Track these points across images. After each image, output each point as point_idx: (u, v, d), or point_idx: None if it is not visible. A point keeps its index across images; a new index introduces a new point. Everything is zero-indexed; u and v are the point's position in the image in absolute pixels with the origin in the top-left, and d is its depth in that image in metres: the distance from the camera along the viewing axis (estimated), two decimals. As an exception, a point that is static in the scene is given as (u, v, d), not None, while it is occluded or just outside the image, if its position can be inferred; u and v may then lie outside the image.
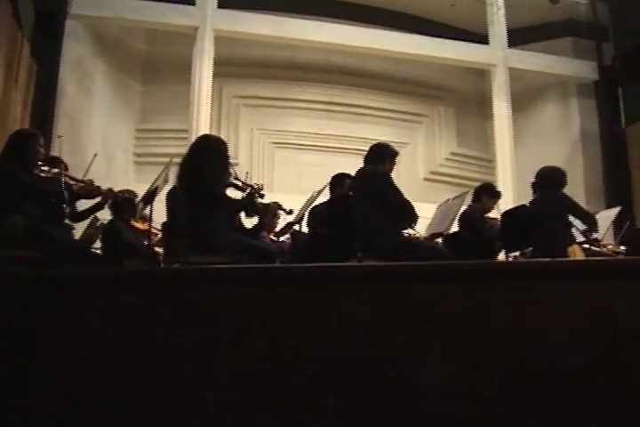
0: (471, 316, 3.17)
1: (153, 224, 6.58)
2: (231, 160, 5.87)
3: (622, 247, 8.75)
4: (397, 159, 6.35)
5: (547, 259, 5.77)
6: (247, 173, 6.36)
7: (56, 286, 3.22)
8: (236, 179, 5.76)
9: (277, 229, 8.40)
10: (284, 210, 7.03)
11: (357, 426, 3.05)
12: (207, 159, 5.43)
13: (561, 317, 3.12)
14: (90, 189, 5.73)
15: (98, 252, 7.51)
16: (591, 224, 6.79)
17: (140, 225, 7.78)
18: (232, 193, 5.78)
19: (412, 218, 6.00)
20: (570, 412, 3.03)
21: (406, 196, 6.07)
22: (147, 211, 6.30)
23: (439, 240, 6.92)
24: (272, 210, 6.74)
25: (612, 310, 3.13)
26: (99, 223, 7.82)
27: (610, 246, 8.89)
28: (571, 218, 6.84)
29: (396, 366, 3.11)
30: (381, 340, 3.14)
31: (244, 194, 5.69)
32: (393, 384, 3.08)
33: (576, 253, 6.53)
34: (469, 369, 3.09)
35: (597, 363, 3.08)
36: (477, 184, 8.52)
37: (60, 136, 8.23)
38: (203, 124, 12.36)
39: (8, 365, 3.04)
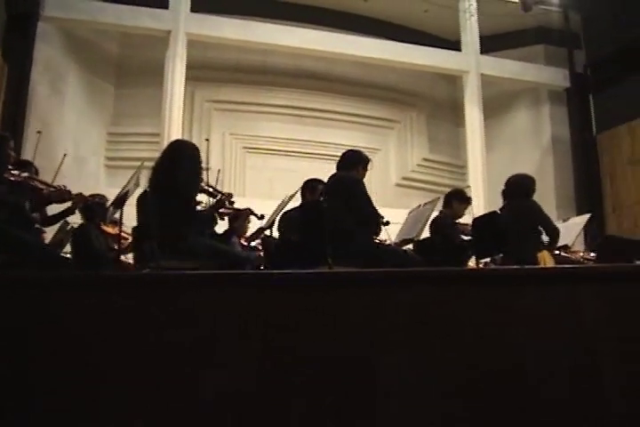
0: (443, 320, 3.21)
1: (124, 228, 6.57)
2: (203, 165, 5.88)
3: (592, 254, 8.82)
4: (371, 167, 6.38)
5: (516, 265, 5.87)
6: (219, 170, 6.36)
7: (45, 288, 3.22)
8: (208, 185, 5.78)
9: (248, 233, 8.40)
10: (256, 215, 7.04)
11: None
12: (180, 164, 5.42)
13: (529, 322, 3.16)
14: (60, 194, 5.70)
15: (68, 256, 7.49)
16: (553, 237, 6.84)
17: (110, 229, 7.74)
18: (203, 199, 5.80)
19: (375, 229, 6.02)
20: (537, 414, 3.07)
21: (378, 201, 6.10)
22: (117, 215, 6.29)
23: (410, 246, 6.96)
24: (244, 215, 6.75)
25: (581, 316, 3.17)
26: (69, 227, 7.78)
27: (580, 253, 8.97)
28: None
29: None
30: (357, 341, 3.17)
31: (214, 200, 5.71)
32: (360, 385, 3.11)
33: (545, 260, 6.59)
34: (437, 369, 3.13)
35: (565, 366, 3.13)
36: (449, 190, 8.56)
37: (38, 131, 8.21)
38: (175, 128, 12.35)
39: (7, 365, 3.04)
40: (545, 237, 6.97)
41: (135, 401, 3.06)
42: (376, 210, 5.91)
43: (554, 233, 6.84)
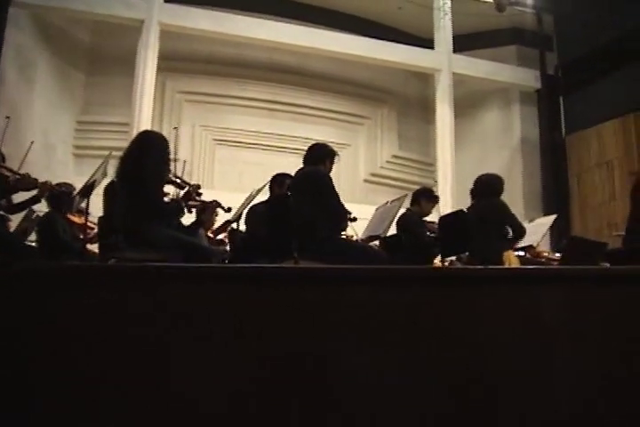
0: (403, 320, 3.22)
1: (90, 218, 6.54)
2: (171, 156, 5.86)
3: (557, 254, 8.90)
4: (338, 160, 6.37)
5: (481, 264, 5.91)
6: (185, 161, 6.33)
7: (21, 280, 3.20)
8: (176, 176, 5.76)
9: (216, 226, 8.38)
10: (223, 208, 7.02)
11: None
12: (147, 155, 5.38)
13: (488, 323, 3.18)
14: (27, 182, 5.67)
15: (33, 244, 7.45)
16: (518, 237, 6.89)
17: (76, 219, 7.70)
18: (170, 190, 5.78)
19: (342, 224, 6.02)
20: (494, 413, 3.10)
21: (346, 197, 6.11)
22: (84, 204, 6.26)
23: (376, 242, 6.98)
24: (211, 208, 6.74)
25: (540, 318, 3.20)
26: (34, 216, 7.73)
27: (545, 254, 9.05)
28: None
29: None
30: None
31: (182, 191, 5.69)
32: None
33: (510, 260, 6.65)
34: (397, 367, 3.14)
35: (524, 368, 3.15)
36: (417, 187, 8.59)
37: (7, 117, 8.13)
38: (145, 119, 12.29)
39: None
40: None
41: (133, 401, 3.04)
42: (343, 205, 5.91)
43: (520, 231, 6.88)
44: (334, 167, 6.27)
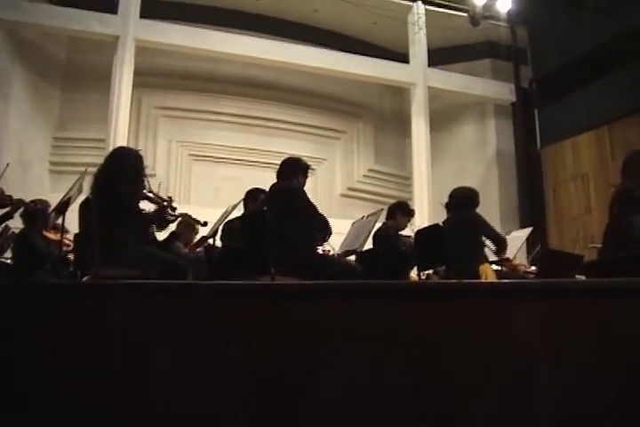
0: (380, 334, 3.23)
1: (66, 235, 6.51)
2: (148, 171, 5.85)
3: (533, 267, 8.92)
4: (312, 174, 6.38)
5: (458, 277, 5.93)
6: (160, 183, 6.32)
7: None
8: (150, 191, 5.74)
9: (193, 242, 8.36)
10: (197, 221, 7.01)
11: None
12: (122, 171, 5.38)
13: (463, 336, 3.19)
14: (0, 198, 5.64)
15: (8, 262, 7.41)
16: (501, 246, 6.89)
17: (52, 235, 7.66)
18: (145, 205, 5.76)
19: (325, 231, 6.02)
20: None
21: (323, 211, 6.10)
22: (59, 221, 6.23)
23: (353, 257, 6.99)
24: (184, 221, 6.72)
25: (516, 332, 3.21)
26: (10, 233, 7.69)
27: (521, 266, 9.06)
28: (483, 238, 6.95)
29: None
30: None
31: (156, 207, 5.68)
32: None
33: (487, 273, 6.63)
34: (376, 379, 3.15)
35: (495, 379, 3.17)
36: (394, 201, 8.60)
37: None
38: (121, 134, 12.26)
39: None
40: (488, 251, 7.03)
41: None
42: (324, 217, 5.92)
43: (501, 242, 6.89)
44: (310, 181, 6.29)
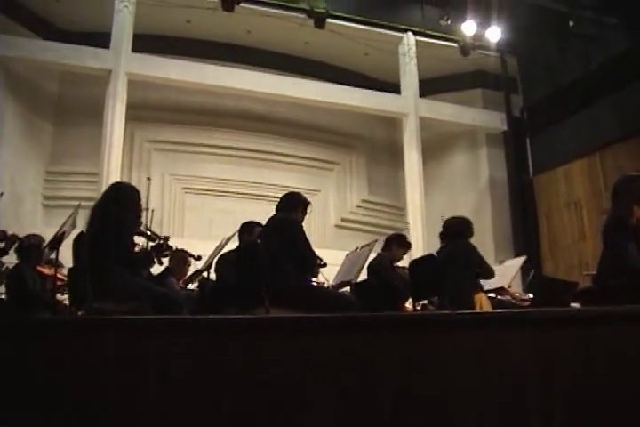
0: (376, 365, 3.23)
1: (60, 270, 6.50)
2: (142, 207, 5.86)
3: (529, 295, 8.90)
4: (310, 210, 6.39)
5: (452, 307, 5.93)
6: (152, 210, 6.32)
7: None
8: (147, 229, 5.75)
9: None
10: (192, 256, 7.00)
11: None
12: (119, 207, 5.38)
13: (456, 365, 3.18)
14: (-7, 234, 5.64)
15: (2, 297, 7.39)
16: (486, 275, 6.90)
17: (46, 270, 7.64)
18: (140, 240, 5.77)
19: (312, 271, 6.03)
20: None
21: (317, 242, 6.14)
22: (53, 256, 6.22)
23: (347, 288, 6.97)
24: (178, 257, 6.72)
25: (510, 362, 3.21)
26: (4, 268, 7.68)
27: (516, 295, 9.05)
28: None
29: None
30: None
31: (152, 244, 5.69)
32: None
33: (482, 302, 6.63)
34: (365, 410, 3.14)
35: (492, 408, 3.16)
36: (388, 232, 8.65)
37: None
38: (114, 168, 12.23)
39: None
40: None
41: None
42: (313, 252, 5.91)
43: (488, 273, 6.90)
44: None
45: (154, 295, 5.10)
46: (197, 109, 14.54)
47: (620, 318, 3.39)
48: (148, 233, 5.76)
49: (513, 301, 8.23)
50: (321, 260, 6.11)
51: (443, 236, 7.21)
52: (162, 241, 5.70)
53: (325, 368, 3.21)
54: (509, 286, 8.68)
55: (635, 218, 5.53)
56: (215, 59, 14.20)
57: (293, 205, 6.18)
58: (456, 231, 7.07)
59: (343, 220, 15.49)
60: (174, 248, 6.11)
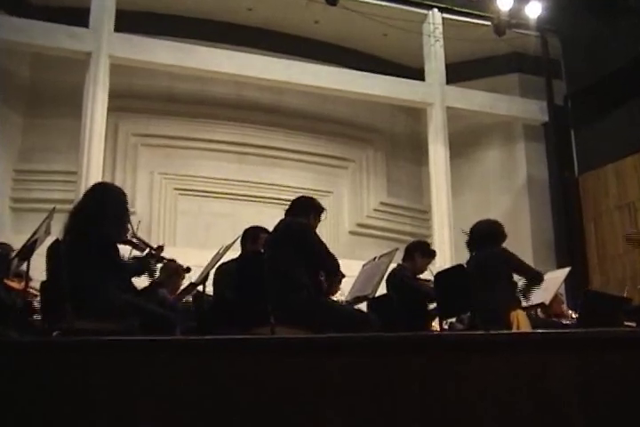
0: (397, 391, 3.23)
1: (31, 283, 6.50)
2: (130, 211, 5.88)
3: (573, 314, 8.90)
4: (325, 217, 6.40)
5: (485, 325, 5.92)
6: (139, 222, 6.32)
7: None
8: (134, 236, 5.75)
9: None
10: (181, 267, 6.99)
11: None
12: (104, 211, 5.40)
13: (492, 396, 3.18)
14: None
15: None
16: (535, 282, 6.86)
17: (15, 284, 7.64)
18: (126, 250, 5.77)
19: (337, 275, 6.07)
20: None
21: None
22: (23, 267, 6.24)
23: (364, 304, 6.98)
24: (169, 268, 6.72)
25: (551, 391, 3.20)
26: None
27: (561, 312, 9.05)
28: (516, 277, 6.93)
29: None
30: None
31: (141, 254, 5.68)
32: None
33: (519, 320, 6.62)
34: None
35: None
36: (410, 239, 8.65)
37: None
38: (95, 166, 12.20)
39: None
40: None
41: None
42: (336, 259, 5.94)
43: (536, 276, 6.86)
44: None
45: (142, 312, 5.12)
46: (192, 99, 14.53)
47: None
48: (136, 242, 5.75)
49: (556, 319, 8.24)
50: (341, 273, 6.15)
51: (470, 243, 7.19)
52: (154, 251, 5.69)
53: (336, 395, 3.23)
54: (558, 301, 8.72)
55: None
56: (212, 40, 14.19)
57: (305, 210, 6.19)
58: (485, 237, 7.04)
59: (359, 225, 15.49)
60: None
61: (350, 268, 7.21)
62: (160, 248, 5.78)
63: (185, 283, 8.12)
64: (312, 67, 14.49)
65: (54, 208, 6.09)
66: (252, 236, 7.05)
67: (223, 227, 12.55)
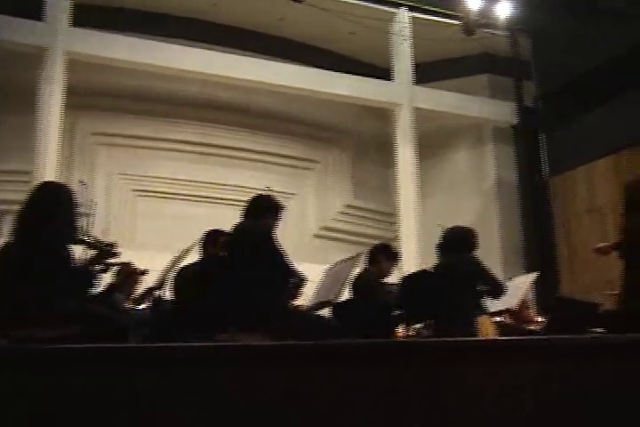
0: (359, 401, 3.22)
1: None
2: (84, 211, 5.81)
3: (542, 319, 8.93)
4: (283, 214, 6.38)
5: (451, 332, 5.93)
6: (91, 220, 6.24)
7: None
8: (86, 235, 5.68)
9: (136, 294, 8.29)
10: (137, 270, 6.95)
11: None
12: (51, 212, 5.33)
13: (458, 402, 3.18)
14: None
15: None
16: (496, 292, 6.89)
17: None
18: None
19: (292, 291, 6.05)
20: None
21: (293, 255, 6.09)
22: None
23: (327, 309, 6.97)
24: (125, 271, 6.67)
25: (519, 397, 3.20)
26: None
27: (529, 317, 9.08)
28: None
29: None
30: None
31: (94, 254, 5.61)
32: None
33: (486, 327, 6.64)
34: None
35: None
36: (376, 242, 8.60)
37: None
38: (50, 166, 12.05)
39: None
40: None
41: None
42: (293, 268, 5.91)
43: (498, 290, 6.89)
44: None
45: (94, 318, 5.06)
46: (154, 97, 14.41)
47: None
48: (88, 240, 5.67)
49: (523, 325, 8.27)
50: (301, 278, 6.12)
51: (441, 248, 7.20)
52: (106, 248, 5.62)
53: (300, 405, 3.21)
54: (526, 307, 8.76)
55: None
56: (174, 37, 14.06)
57: (263, 210, 6.18)
58: (457, 242, 7.07)
59: (324, 228, 15.49)
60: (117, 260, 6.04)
61: (314, 272, 7.17)
62: (112, 245, 5.71)
63: (141, 288, 8.09)
64: (277, 65, 14.42)
65: (5, 210, 6.03)
66: (211, 239, 7.02)
67: (184, 229, 12.44)
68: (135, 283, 7.95)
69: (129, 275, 7.43)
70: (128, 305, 7.78)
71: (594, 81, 13.95)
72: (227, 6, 14.44)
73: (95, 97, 13.96)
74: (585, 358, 3.30)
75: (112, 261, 5.81)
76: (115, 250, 5.70)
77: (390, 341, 5.48)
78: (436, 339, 6.11)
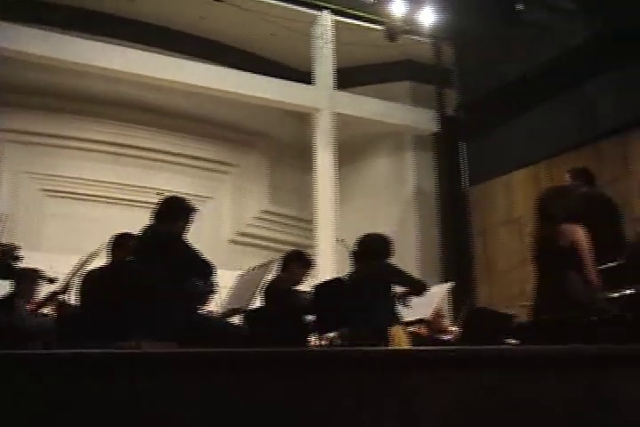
0: (267, 410, 3.22)
1: None
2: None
3: (456, 329, 9.01)
4: (195, 217, 6.36)
5: (363, 341, 5.96)
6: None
7: None
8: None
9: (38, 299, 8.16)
10: (45, 278, 6.85)
11: None
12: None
13: (363, 412, 3.19)
14: None
15: None
16: (417, 288, 6.91)
17: None
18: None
19: (212, 277, 6.04)
20: None
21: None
22: None
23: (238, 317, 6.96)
24: (30, 277, 6.59)
25: (421, 408, 3.22)
26: None
27: (443, 328, 9.16)
28: (398, 289, 6.96)
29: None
30: None
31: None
32: None
33: (399, 336, 6.66)
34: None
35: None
36: (291, 249, 8.61)
37: None
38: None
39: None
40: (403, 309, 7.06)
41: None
42: (209, 263, 5.91)
43: (419, 287, 6.91)
44: (192, 224, 6.26)
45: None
46: (66, 94, 14.20)
47: (560, 359, 3.42)
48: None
49: (436, 336, 8.33)
50: (211, 269, 6.11)
51: (355, 255, 7.20)
52: (5, 249, 5.55)
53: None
54: (440, 316, 8.83)
55: (569, 239, 5.67)
56: (89, 32, 13.87)
57: (174, 213, 6.16)
58: (372, 250, 7.08)
59: (239, 234, 15.46)
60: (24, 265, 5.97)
61: (227, 278, 7.16)
62: (13, 248, 5.64)
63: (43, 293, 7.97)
64: (196, 65, 14.30)
65: None
66: (120, 243, 6.95)
67: (94, 231, 12.29)
68: (35, 286, 7.81)
69: (29, 278, 7.32)
70: (30, 310, 7.67)
71: (515, 91, 14.09)
72: (145, 2, 14.31)
73: (3, 92, 13.70)
74: (497, 368, 3.32)
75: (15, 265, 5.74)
76: (15, 252, 5.63)
77: (300, 349, 5.47)
78: (345, 348, 6.15)
